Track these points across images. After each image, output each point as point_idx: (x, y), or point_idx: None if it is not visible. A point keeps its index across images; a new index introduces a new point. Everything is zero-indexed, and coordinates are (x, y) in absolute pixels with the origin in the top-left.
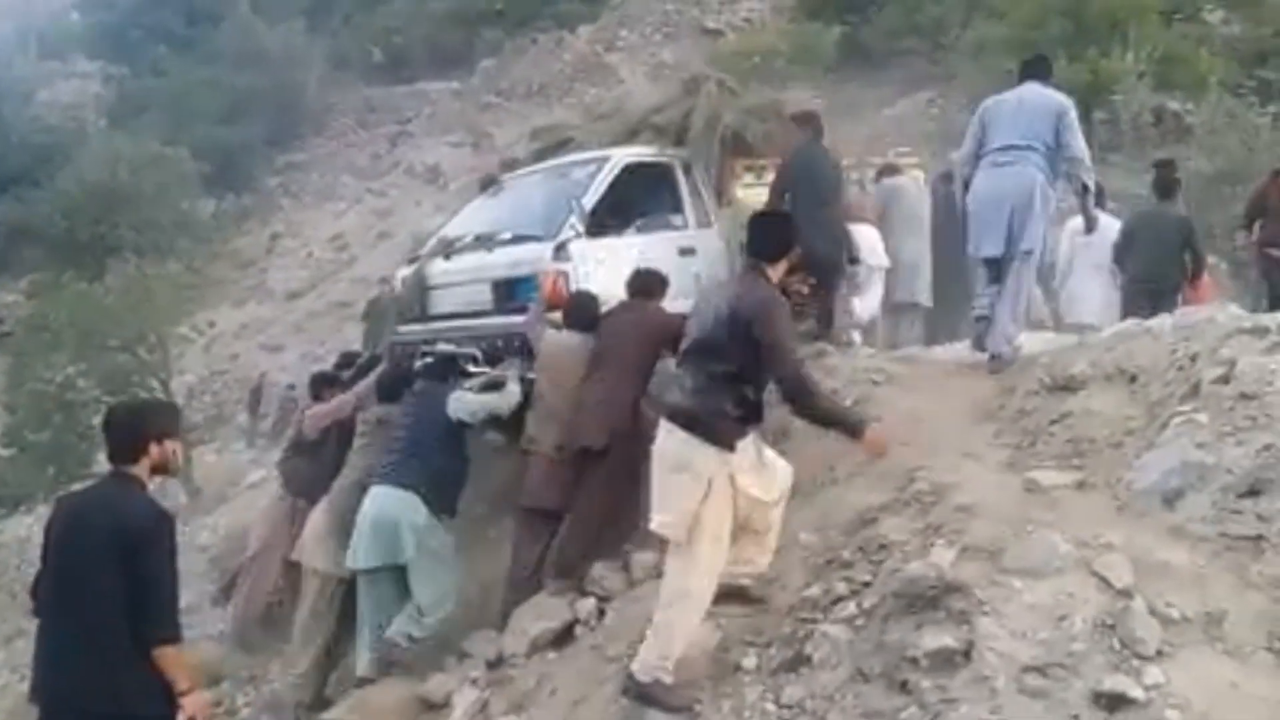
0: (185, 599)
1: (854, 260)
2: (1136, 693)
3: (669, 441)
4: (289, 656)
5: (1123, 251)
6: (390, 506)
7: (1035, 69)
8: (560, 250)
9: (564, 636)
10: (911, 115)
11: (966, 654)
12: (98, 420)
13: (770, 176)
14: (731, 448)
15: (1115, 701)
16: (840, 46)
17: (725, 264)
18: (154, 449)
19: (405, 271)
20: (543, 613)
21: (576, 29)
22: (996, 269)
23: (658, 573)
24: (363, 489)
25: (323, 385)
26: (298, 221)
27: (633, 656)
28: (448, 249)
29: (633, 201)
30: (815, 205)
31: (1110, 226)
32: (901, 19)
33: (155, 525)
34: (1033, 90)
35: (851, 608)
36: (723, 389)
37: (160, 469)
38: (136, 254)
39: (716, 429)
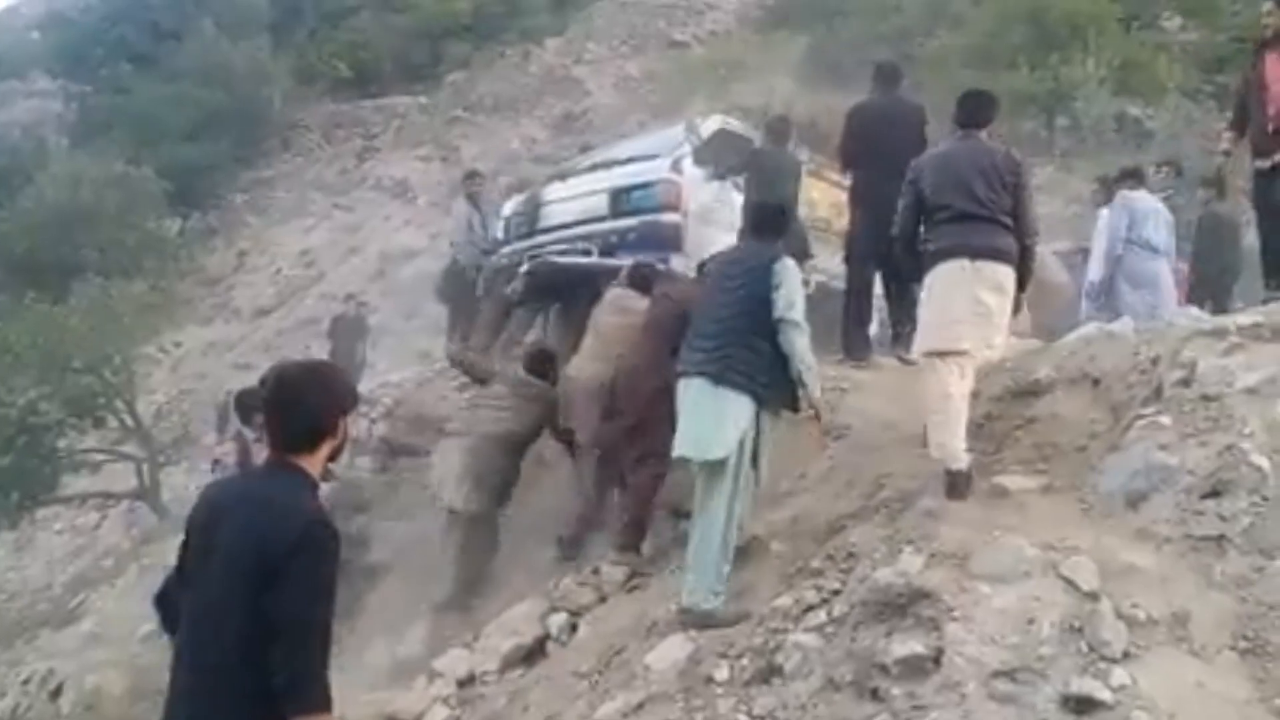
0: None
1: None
2: (1104, 695)
3: (983, 270)
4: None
5: (1207, 249)
6: None
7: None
8: (676, 164)
9: (535, 653)
10: None
11: (936, 660)
12: (62, 444)
13: (829, 174)
14: None
15: (1084, 704)
16: (806, 57)
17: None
18: (340, 428)
19: (512, 201)
20: (514, 629)
21: (544, 42)
22: None
23: (627, 589)
24: (495, 440)
25: (252, 409)
26: (265, 239)
27: (604, 673)
28: (563, 174)
29: (722, 162)
30: None
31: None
32: (866, 29)
33: (309, 543)
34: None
35: (822, 616)
36: (1009, 233)
37: (336, 455)
38: (100, 274)
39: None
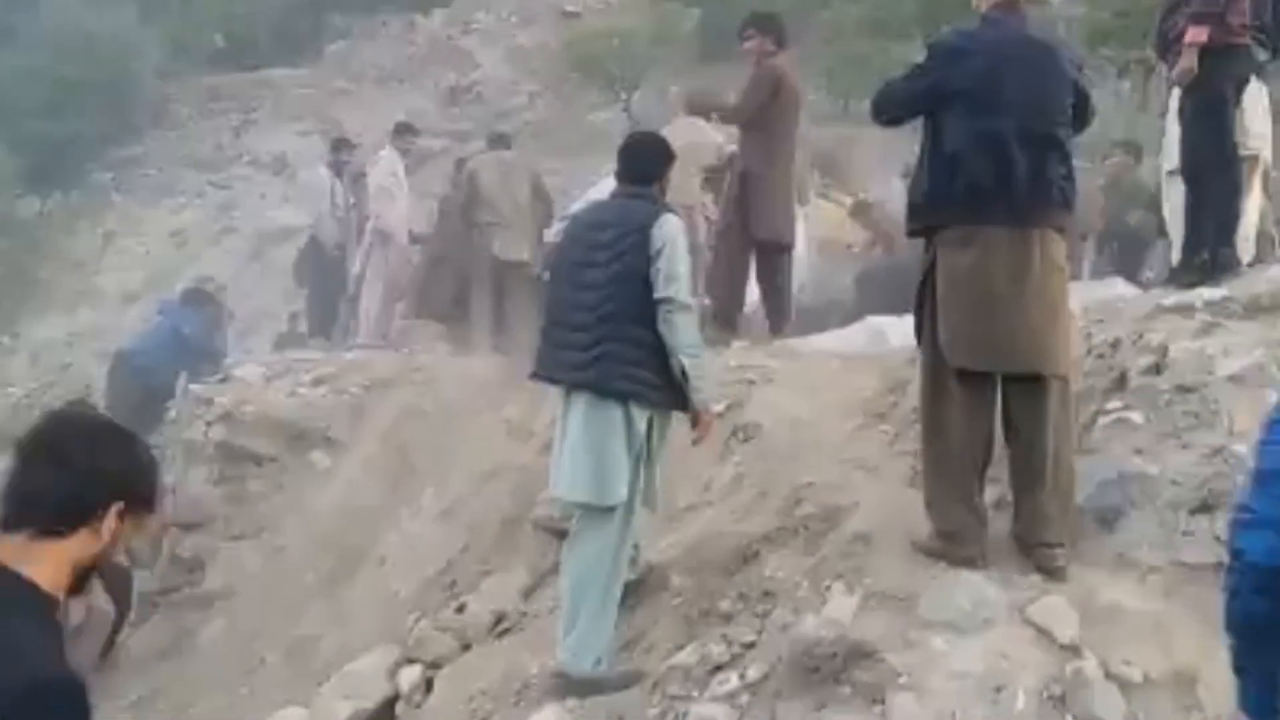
0: None
1: None
2: None
3: None
4: None
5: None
6: None
7: None
8: None
9: (381, 719)
10: None
11: None
12: None
13: (840, 197)
14: None
15: None
16: (699, 29)
17: (807, 254)
18: (107, 520)
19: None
20: (357, 686)
21: (430, 12)
22: None
23: (496, 634)
24: None
25: None
26: (134, 219)
27: None
28: None
29: None
30: None
31: None
32: (759, 1)
33: (33, 712)
34: None
35: (733, 680)
36: None
37: (95, 567)
38: None
39: None
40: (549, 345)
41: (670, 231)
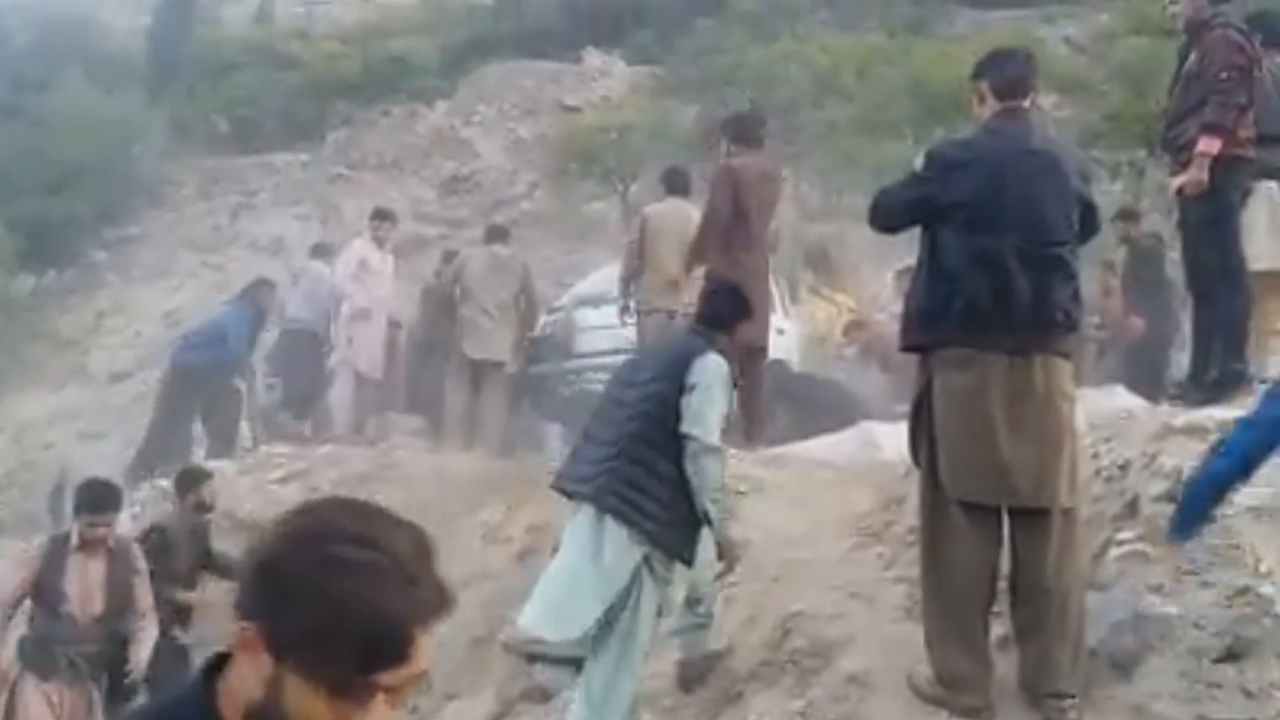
0: None
1: None
2: None
3: None
4: None
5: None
6: None
7: None
8: None
9: None
10: None
11: None
12: None
13: (832, 294)
14: None
15: None
16: (697, 124)
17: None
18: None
19: (552, 318)
20: None
21: (433, 103)
22: None
23: None
24: None
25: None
26: (126, 299)
27: None
28: (596, 301)
29: None
30: None
31: None
32: (754, 99)
33: None
34: None
35: None
36: None
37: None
38: None
39: None
40: (573, 458)
41: (710, 369)
